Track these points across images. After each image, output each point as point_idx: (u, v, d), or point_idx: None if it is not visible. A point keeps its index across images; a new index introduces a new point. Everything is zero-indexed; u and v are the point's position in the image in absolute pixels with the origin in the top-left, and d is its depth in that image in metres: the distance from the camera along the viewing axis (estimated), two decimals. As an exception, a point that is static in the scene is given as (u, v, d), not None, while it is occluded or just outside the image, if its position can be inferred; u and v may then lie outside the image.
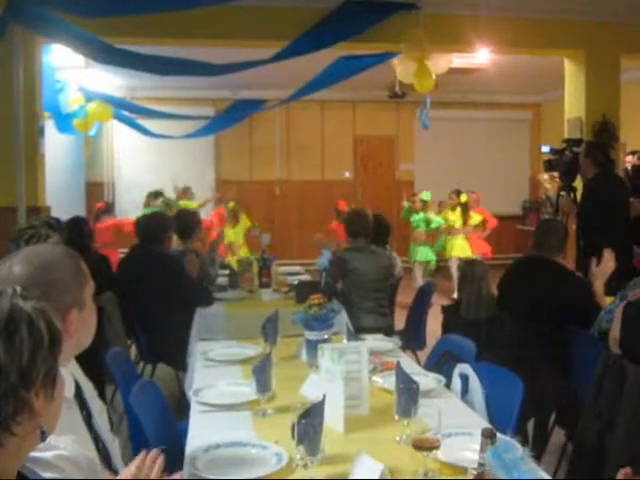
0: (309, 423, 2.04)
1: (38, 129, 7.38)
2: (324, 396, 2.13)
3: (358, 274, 5.31)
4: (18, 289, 1.31)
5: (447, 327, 4.95)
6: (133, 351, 5.64)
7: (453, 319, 4.88)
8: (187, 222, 5.88)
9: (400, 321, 6.11)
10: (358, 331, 4.22)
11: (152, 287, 5.09)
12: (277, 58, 7.16)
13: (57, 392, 1.35)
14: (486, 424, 2.51)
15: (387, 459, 2.16)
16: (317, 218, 12.90)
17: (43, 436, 1.32)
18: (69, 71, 9.83)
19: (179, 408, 4.17)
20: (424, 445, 2.15)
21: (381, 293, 5.45)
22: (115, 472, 1.94)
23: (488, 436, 1.54)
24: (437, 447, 2.15)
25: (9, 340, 1.22)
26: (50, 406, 1.32)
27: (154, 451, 1.73)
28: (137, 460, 1.69)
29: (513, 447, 1.47)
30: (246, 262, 6.22)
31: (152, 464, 1.69)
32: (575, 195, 6.86)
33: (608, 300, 4.25)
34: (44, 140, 7.58)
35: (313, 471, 2.09)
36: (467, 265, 5.15)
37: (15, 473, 1.33)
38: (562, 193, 6.98)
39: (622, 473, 1.78)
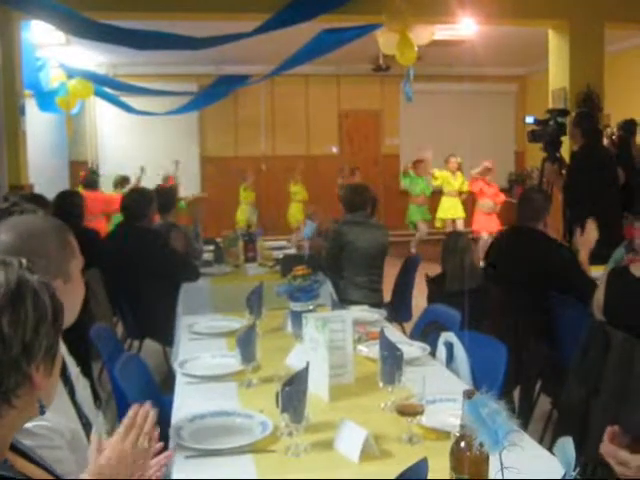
0: (293, 390, 2.04)
1: (19, 107, 7.32)
2: (307, 363, 2.13)
3: (354, 248, 5.26)
4: (24, 262, 1.30)
5: (432, 299, 4.96)
6: (119, 328, 5.63)
7: (438, 291, 4.89)
8: (167, 197, 5.90)
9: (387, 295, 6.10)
10: (348, 305, 4.22)
11: (138, 263, 5.06)
12: (259, 31, 7.10)
13: (56, 368, 1.35)
14: (471, 390, 2.52)
15: (371, 425, 2.18)
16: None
17: (42, 410, 1.33)
18: (49, 48, 9.73)
19: (166, 383, 4.16)
20: (408, 411, 2.16)
21: (375, 269, 5.41)
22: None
23: (469, 396, 1.55)
24: (421, 413, 2.16)
25: (14, 312, 1.22)
26: (49, 381, 1.32)
27: (147, 403, 1.74)
28: (130, 412, 1.70)
29: (489, 401, 1.48)
30: (232, 237, 6.20)
31: (145, 416, 1.70)
32: (560, 165, 6.85)
33: (594, 270, 4.28)
34: (25, 118, 7.52)
35: (298, 438, 2.10)
36: (450, 237, 5.16)
37: (9, 443, 1.33)
38: (546, 164, 6.98)
39: (609, 431, 1.79)
